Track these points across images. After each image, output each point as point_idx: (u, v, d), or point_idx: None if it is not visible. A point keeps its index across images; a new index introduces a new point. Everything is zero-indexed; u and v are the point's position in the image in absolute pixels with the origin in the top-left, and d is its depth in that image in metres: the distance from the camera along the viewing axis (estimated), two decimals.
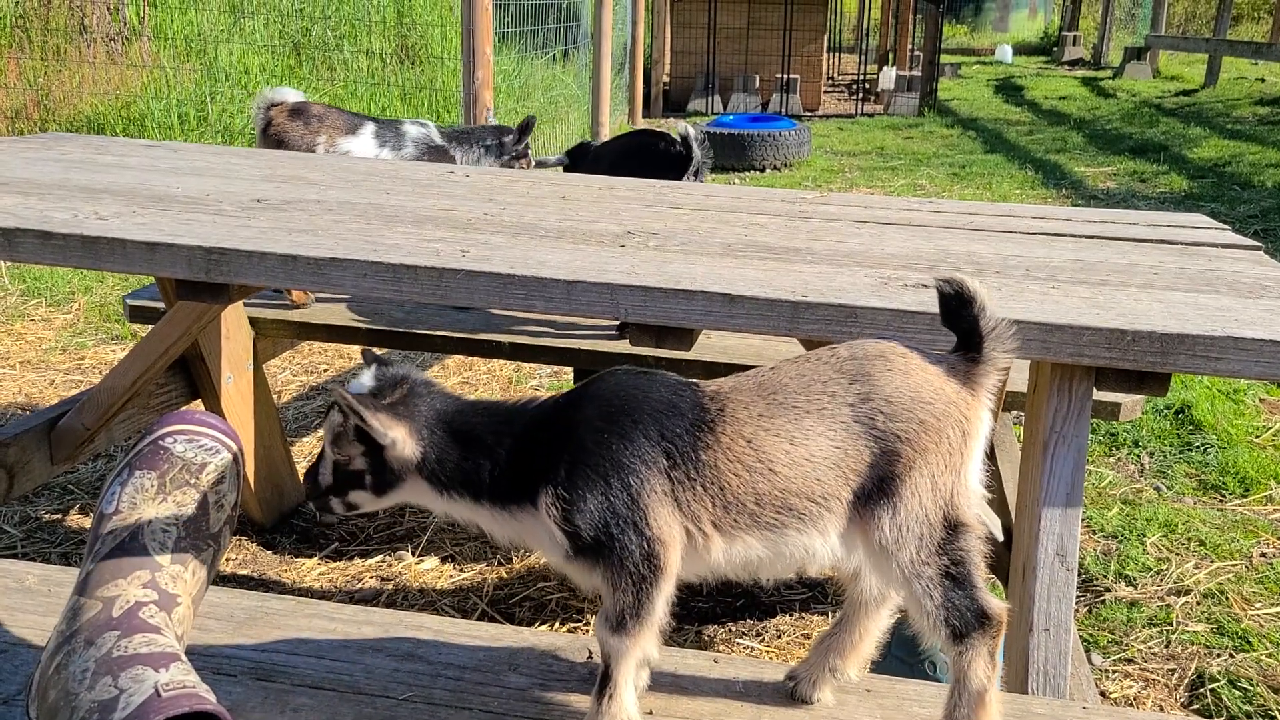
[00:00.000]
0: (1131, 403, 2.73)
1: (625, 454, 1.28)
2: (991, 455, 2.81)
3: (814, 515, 1.29)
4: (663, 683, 1.54)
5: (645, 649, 1.35)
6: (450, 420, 1.37)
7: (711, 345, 3.03)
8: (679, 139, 3.31)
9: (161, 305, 3.06)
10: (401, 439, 1.34)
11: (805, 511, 1.29)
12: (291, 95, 3.59)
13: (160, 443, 1.40)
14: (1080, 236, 2.31)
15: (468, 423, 1.37)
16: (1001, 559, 2.28)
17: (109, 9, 8.99)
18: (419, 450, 1.35)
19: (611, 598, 1.32)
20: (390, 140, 3.67)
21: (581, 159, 3.68)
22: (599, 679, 1.37)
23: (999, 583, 2.63)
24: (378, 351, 1.49)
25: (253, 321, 3.22)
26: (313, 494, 1.40)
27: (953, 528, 1.30)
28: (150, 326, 2.90)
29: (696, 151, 3.26)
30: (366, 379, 1.40)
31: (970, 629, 1.30)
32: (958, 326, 1.34)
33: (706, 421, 1.30)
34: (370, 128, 3.66)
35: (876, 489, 1.29)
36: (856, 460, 1.28)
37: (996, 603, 1.32)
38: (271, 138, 3.53)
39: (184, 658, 1.24)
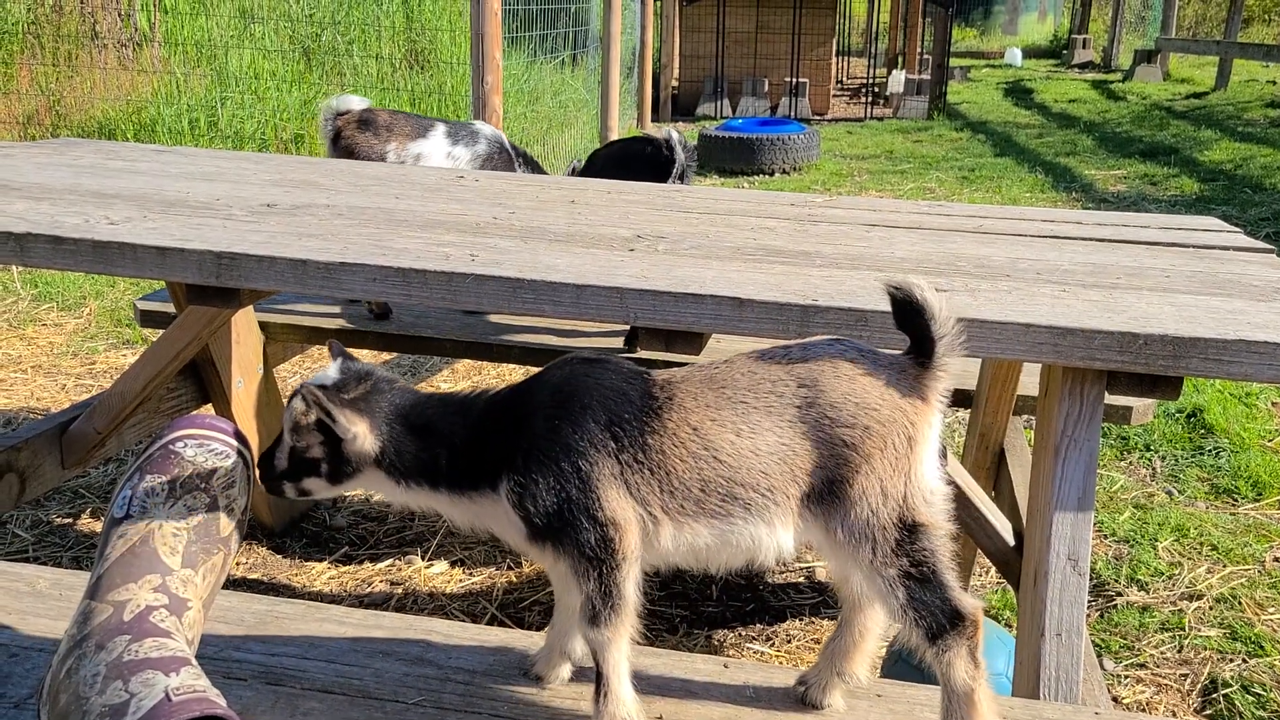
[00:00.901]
0: (1143, 407, 2.72)
1: (575, 438, 1.31)
2: (1002, 459, 2.80)
3: (759, 506, 1.31)
4: (672, 688, 1.53)
5: (627, 638, 1.36)
6: (408, 414, 1.40)
7: (722, 350, 3.02)
8: (663, 143, 3.36)
9: (172, 309, 3.07)
10: (362, 434, 1.37)
11: (751, 502, 1.31)
12: (357, 103, 3.59)
13: (171, 447, 1.40)
14: (1091, 240, 2.30)
15: (424, 415, 1.40)
16: (1012, 564, 2.27)
17: (120, 15, 9.03)
18: (378, 445, 1.38)
19: (580, 588, 1.34)
20: (464, 138, 3.72)
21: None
22: (595, 680, 1.37)
23: (1010, 587, 2.62)
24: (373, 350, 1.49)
25: (262, 326, 3.23)
26: (265, 476, 1.44)
27: (909, 529, 1.31)
28: (161, 330, 2.91)
29: (680, 155, 3.31)
30: (332, 371, 1.42)
31: (943, 629, 1.31)
32: (910, 331, 1.34)
33: (654, 408, 1.33)
34: (440, 129, 3.69)
35: (825, 490, 1.31)
36: (803, 460, 1.31)
37: (970, 601, 1.32)
38: (342, 148, 3.55)
39: (194, 662, 1.24)
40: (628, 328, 3.21)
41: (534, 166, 3.91)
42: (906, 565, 1.30)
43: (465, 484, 1.38)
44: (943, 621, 1.31)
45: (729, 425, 1.31)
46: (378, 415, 1.39)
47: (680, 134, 3.41)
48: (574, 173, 3.88)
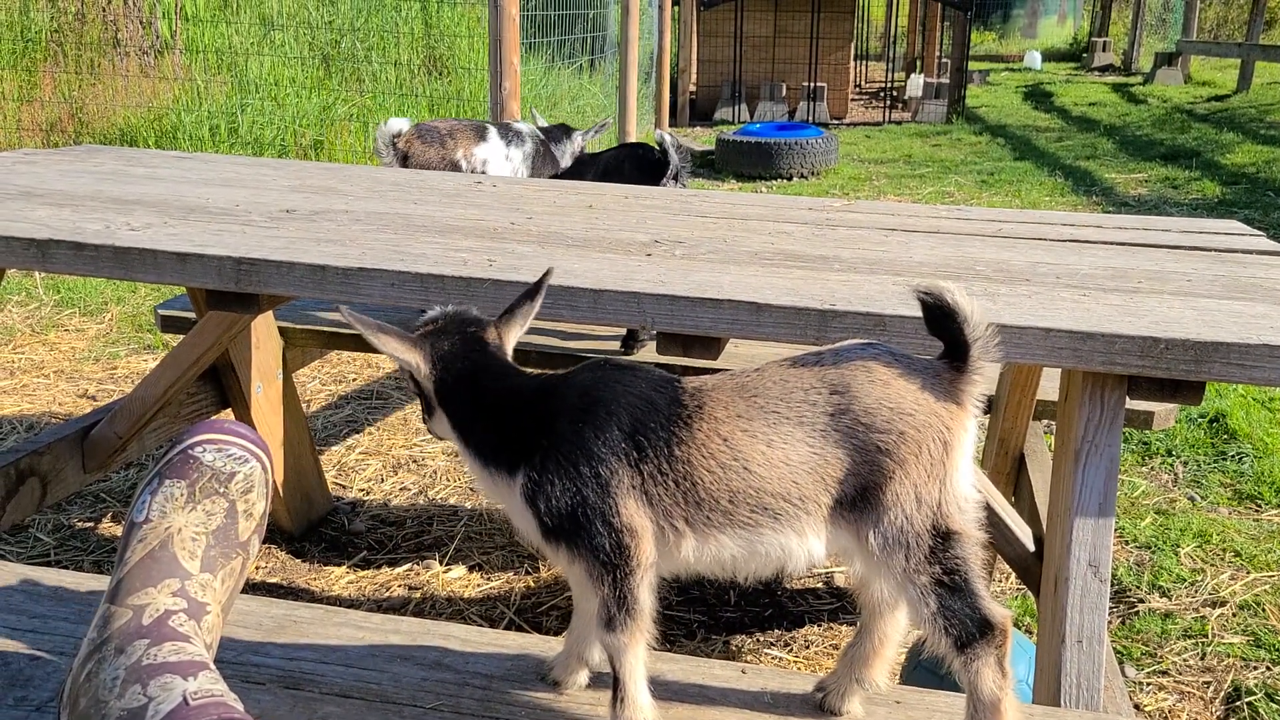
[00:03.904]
0: (1164, 412, 2.69)
1: (597, 444, 1.30)
2: (1021, 465, 2.79)
3: (790, 515, 1.30)
4: (689, 694, 1.53)
5: (643, 644, 1.35)
6: (457, 359, 1.40)
7: (739, 355, 3.02)
8: (656, 146, 3.38)
9: (192, 315, 3.09)
10: (416, 363, 1.39)
11: (781, 511, 1.29)
12: (405, 124, 3.65)
13: (190, 452, 1.41)
14: (1112, 244, 2.28)
15: (471, 366, 1.41)
16: (1032, 570, 2.26)
17: (142, 23, 9.11)
18: (431, 381, 1.39)
19: (595, 593, 1.34)
20: (513, 138, 3.82)
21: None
22: (611, 685, 1.37)
23: (1030, 594, 2.60)
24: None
25: (282, 331, 3.24)
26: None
27: (943, 536, 1.29)
28: (181, 336, 2.93)
29: (673, 156, 3.32)
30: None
31: (972, 638, 1.29)
32: (943, 335, 1.33)
33: (683, 417, 1.31)
34: (493, 132, 3.78)
35: (859, 498, 1.29)
36: (836, 469, 1.29)
37: (999, 610, 1.31)
38: (416, 166, 3.60)
39: (213, 666, 1.24)
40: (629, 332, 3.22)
41: (563, 134, 4.03)
42: (939, 573, 1.29)
43: (488, 458, 1.38)
44: (972, 630, 1.29)
45: (760, 435, 1.29)
46: (433, 349, 1.39)
47: (673, 136, 3.43)
48: (602, 127, 3.91)
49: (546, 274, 1.50)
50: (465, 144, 3.67)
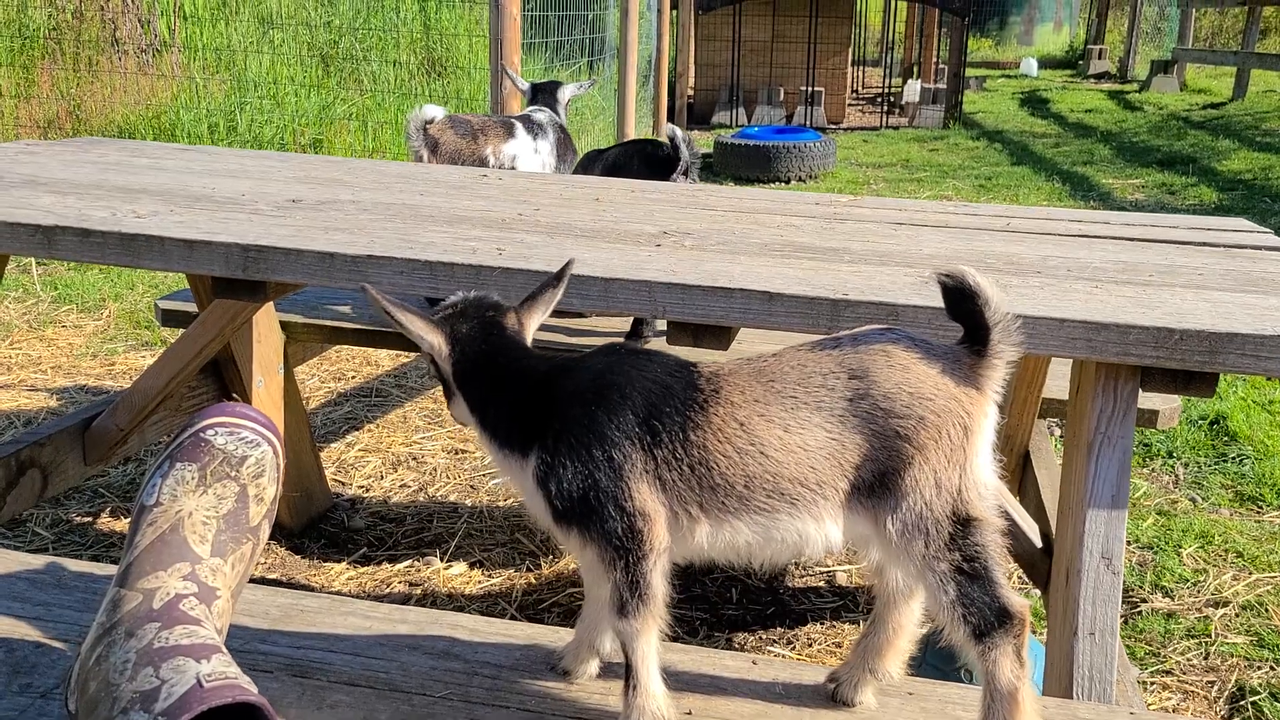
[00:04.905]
0: (1169, 410, 2.69)
1: (610, 428, 1.29)
2: (1026, 462, 2.78)
3: (807, 501, 1.28)
4: (701, 684, 1.52)
5: (656, 630, 1.34)
6: (474, 340, 1.39)
7: (745, 352, 3.01)
8: (668, 141, 3.36)
9: (193, 308, 3.07)
10: (437, 345, 1.38)
11: (798, 497, 1.28)
12: (439, 111, 3.62)
13: (201, 435, 1.39)
14: (1120, 239, 2.28)
15: (489, 348, 1.39)
16: (1039, 566, 2.25)
17: (140, 21, 9.09)
18: (450, 362, 1.39)
19: (607, 578, 1.33)
20: (537, 130, 3.82)
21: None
22: (624, 673, 1.36)
23: (1034, 591, 2.59)
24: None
25: (284, 326, 3.23)
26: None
27: (963, 523, 1.28)
28: (181, 330, 2.92)
29: (684, 151, 3.31)
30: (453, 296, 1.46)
31: (991, 626, 1.28)
32: (964, 320, 1.32)
33: (699, 402, 1.30)
34: (519, 126, 3.76)
35: (878, 483, 1.28)
36: (854, 454, 1.28)
37: (1018, 600, 1.30)
38: (445, 157, 3.57)
39: (225, 650, 1.23)
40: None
41: (554, 89, 4.14)
42: (958, 560, 1.27)
43: (503, 440, 1.37)
44: (991, 619, 1.28)
45: (777, 420, 1.28)
46: (453, 332, 1.38)
47: (684, 132, 3.41)
48: (592, 83, 3.99)
49: (569, 263, 1.49)
50: (495, 141, 3.63)
